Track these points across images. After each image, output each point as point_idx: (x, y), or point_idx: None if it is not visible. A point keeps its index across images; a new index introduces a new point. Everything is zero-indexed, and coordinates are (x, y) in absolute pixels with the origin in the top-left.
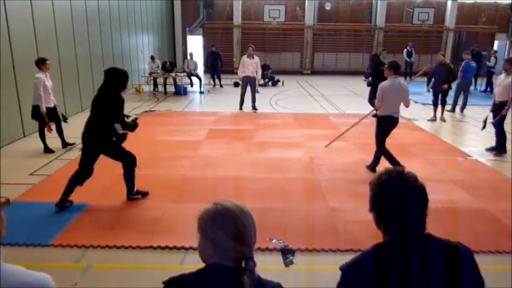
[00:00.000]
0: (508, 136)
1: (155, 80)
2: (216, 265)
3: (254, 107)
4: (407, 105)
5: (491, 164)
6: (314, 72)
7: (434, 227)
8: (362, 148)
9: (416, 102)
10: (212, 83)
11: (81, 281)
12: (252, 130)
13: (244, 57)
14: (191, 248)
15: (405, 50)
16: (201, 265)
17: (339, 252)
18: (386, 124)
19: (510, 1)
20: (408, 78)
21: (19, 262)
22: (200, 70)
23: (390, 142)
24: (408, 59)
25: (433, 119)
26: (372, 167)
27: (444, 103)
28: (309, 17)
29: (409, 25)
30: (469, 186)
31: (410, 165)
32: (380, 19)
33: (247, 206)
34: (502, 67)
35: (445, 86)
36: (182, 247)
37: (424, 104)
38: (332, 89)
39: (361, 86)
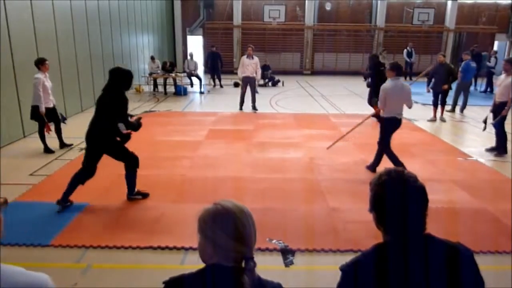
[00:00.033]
0: (508, 136)
1: (155, 80)
2: (216, 265)
3: (254, 108)
4: (410, 106)
5: (491, 165)
6: (314, 73)
7: (434, 227)
8: (362, 148)
9: (416, 102)
10: (212, 83)
11: (81, 281)
12: (252, 130)
13: (244, 58)
14: (191, 248)
15: (405, 50)
16: (201, 265)
17: (339, 252)
18: (391, 126)
19: (510, 1)
20: (408, 78)
21: (19, 262)
22: (200, 70)
23: (390, 142)
24: (408, 60)
25: (433, 120)
26: (372, 167)
27: (444, 103)
28: (309, 17)
29: (409, 25)
30: (469, 186)
31: (410, 165)
32: (380, 19)
33: (247, 206)
34: (502, 68)
35: (445, 86)
36: (182, 247)
37: (424, 104)
38: (332, 89)
39: (361, 86)
